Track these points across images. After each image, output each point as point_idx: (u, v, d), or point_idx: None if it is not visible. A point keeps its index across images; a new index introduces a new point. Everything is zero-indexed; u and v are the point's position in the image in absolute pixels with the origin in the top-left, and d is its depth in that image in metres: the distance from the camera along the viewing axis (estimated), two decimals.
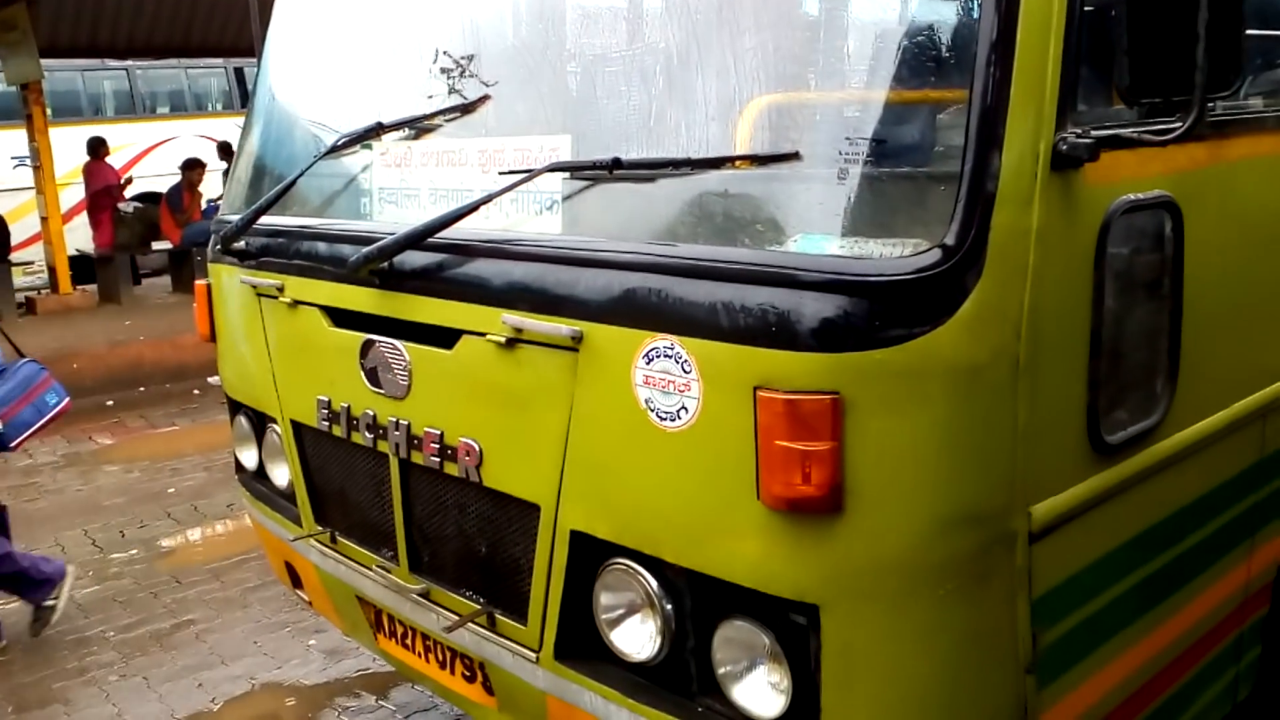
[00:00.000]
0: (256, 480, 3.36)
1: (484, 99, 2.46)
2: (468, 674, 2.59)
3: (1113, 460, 2.03)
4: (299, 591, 3.36)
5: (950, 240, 1.67)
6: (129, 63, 14.99)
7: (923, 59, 1.82)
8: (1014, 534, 1.85)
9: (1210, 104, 1.97)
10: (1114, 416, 2.01)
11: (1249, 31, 2.07)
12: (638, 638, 2.10)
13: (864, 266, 1.69)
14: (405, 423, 2.47)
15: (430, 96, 2.66)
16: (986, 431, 1.78)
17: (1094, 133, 1.79)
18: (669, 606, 2.03)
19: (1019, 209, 1.73)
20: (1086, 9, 1.77)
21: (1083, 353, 1.91)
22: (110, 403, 8.67)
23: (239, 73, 16.24)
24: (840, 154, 1.78)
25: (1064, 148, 1.76)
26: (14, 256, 11.40)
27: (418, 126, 2.63)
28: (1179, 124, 1.84)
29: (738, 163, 1.93)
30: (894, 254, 1.72)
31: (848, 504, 1.72)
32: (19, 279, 11.77)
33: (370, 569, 2.76)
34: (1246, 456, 2.49)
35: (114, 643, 4.53)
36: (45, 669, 4.32)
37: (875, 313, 1.67)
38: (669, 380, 1.88)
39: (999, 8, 1.70)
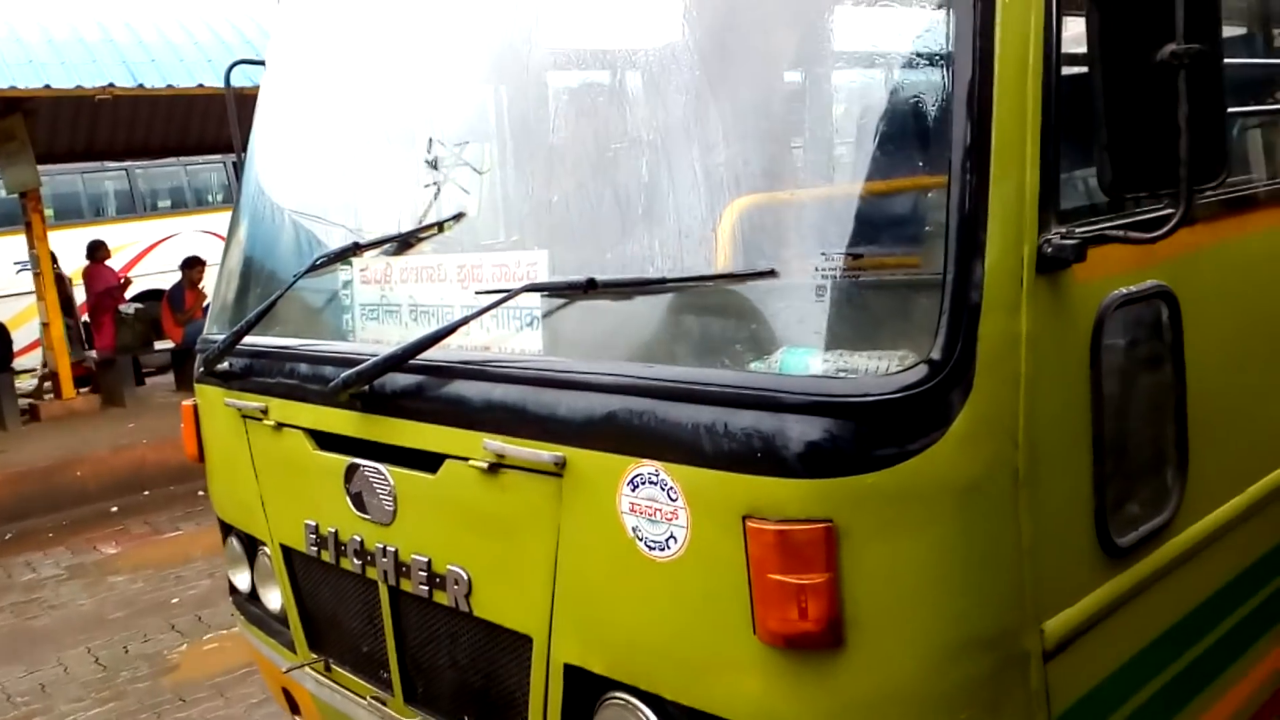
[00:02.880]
0: (250, 603, 3.29)
1: (459, 216, 2.44)
2: None
3: (1126, 563, 1.94)
4: (297, 718, 3.26)
5: (936, 355, 1.61)
6: (128, 163, 15.18)
7: (898, 166, 1.78)
8: (1027, 654, 1.76)
9: (1197, 196, 1.91)
10: (1124, 517, 1.93)
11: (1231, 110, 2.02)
12: None
13: (848, 386, 1.63)
14: (393, 549, 2.40)
15: (409, 210, 2.64)
16: (990, 550, 1.70)
17: (1079, 231, 1.73)
18: None
19: (1006, 316, 1.66)
20: (1063, 107, 1.72)
21: (1086, 456, 1.83)
22: (115, 509, 8.59)
23: (238, 167, 16.44)
24: (817, 269, 1.73)
25: (1049, 250, 1.69)
26: (17, 362, 11.39)
27: (394, 243, 2.59)
28: (1167, 214, 1.77)
29: (714, 280, 1.87)
30: (879, 368, 1.65)
31: (849, 636, 1.63)
32: (24, 383, 11.80)
33: (365, 699, 2.67)
34: (1266, 540, 2.39)
35: None
36: None
37: (863, 434, 1.60)
38: (655, 508, 1.80)
39: (971, 112, 1.65)
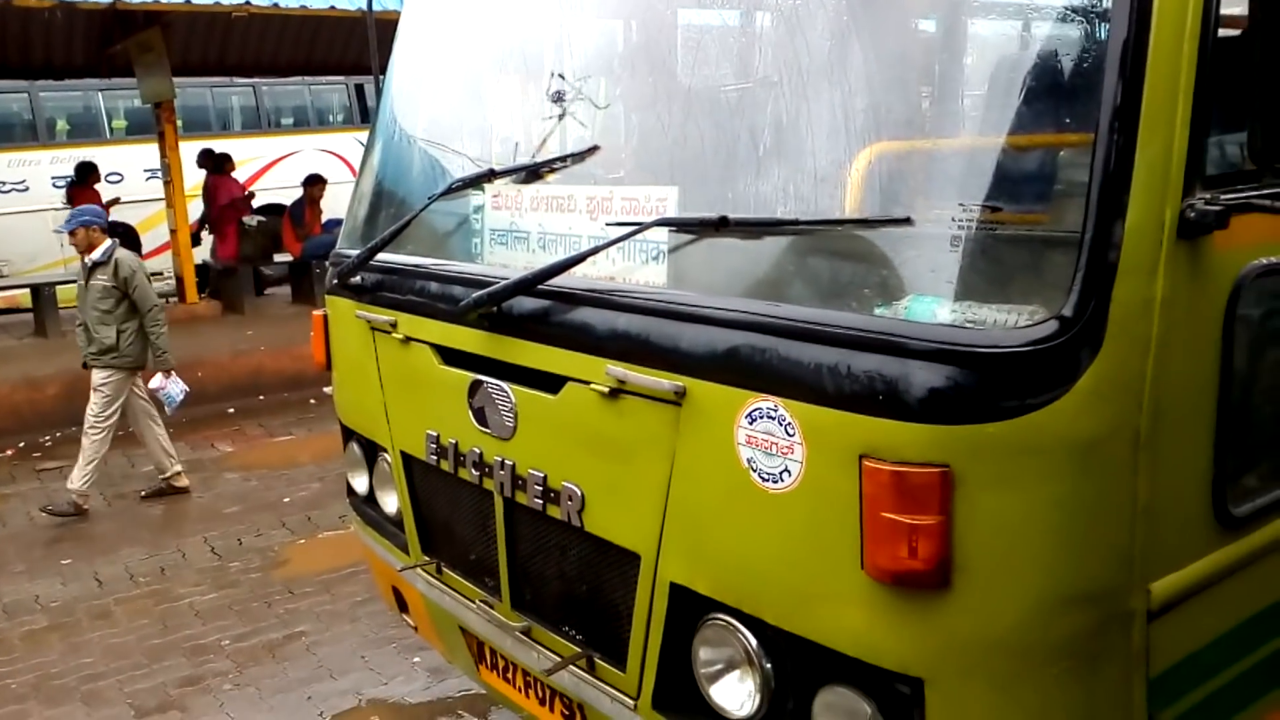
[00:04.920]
0: (367, 505, 3.46)
1: (593, 149, 2.49)
2: (566, 713, 2.62)
3: (1239, 533, 1.94)
4: (405, 616, 3.44)
5: (1068, 312, 1.62)
6: (255, 79, 15.59)
7: (1042, 121, 1.77)
8: (1132, 613, 1.78)
9: None
10: (1240, 488, 1.93)
11: None
12: (736, 694, 2.09)
13: (976, 337, 1.65)
14: (510, 463, 2.51)
15: (544, 138, 2.71)
16: (1105, 507, 1.72)
17: (1223, 198, 1.71)
18: (769, 666, 2.02)
19: (1142, 279, 1.66)
20: (1217, 72, 1.69)
21: (1209, 424, 1.83)
22: (231, 410, 9.02)
23: (359, 89, 16.78)
24: (954, 219, 1.74)
25: (1191, 215, 1.69)
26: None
27: (528, 171, 2.67)
28: None
29: (848, 225, 1.90)
30: (1008, 322, 1.67)
31: (955, 579, 1.68)
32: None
33: (474, 602, 2.81)
34: None
35: (229, 651, 4.71)
36: (163, 675, 4.52)
37: (987, 385, 1.63)
38: (772, 442, 1.86)
39: (1124, 69, 1.64)
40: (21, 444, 8.32)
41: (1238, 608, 2.02)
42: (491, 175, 2.72)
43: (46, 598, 5.43)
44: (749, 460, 1.91)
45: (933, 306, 1.75)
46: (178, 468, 6.98)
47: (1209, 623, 1.96)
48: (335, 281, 3.21)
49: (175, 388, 6.79)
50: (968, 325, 1.68)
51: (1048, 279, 1.70)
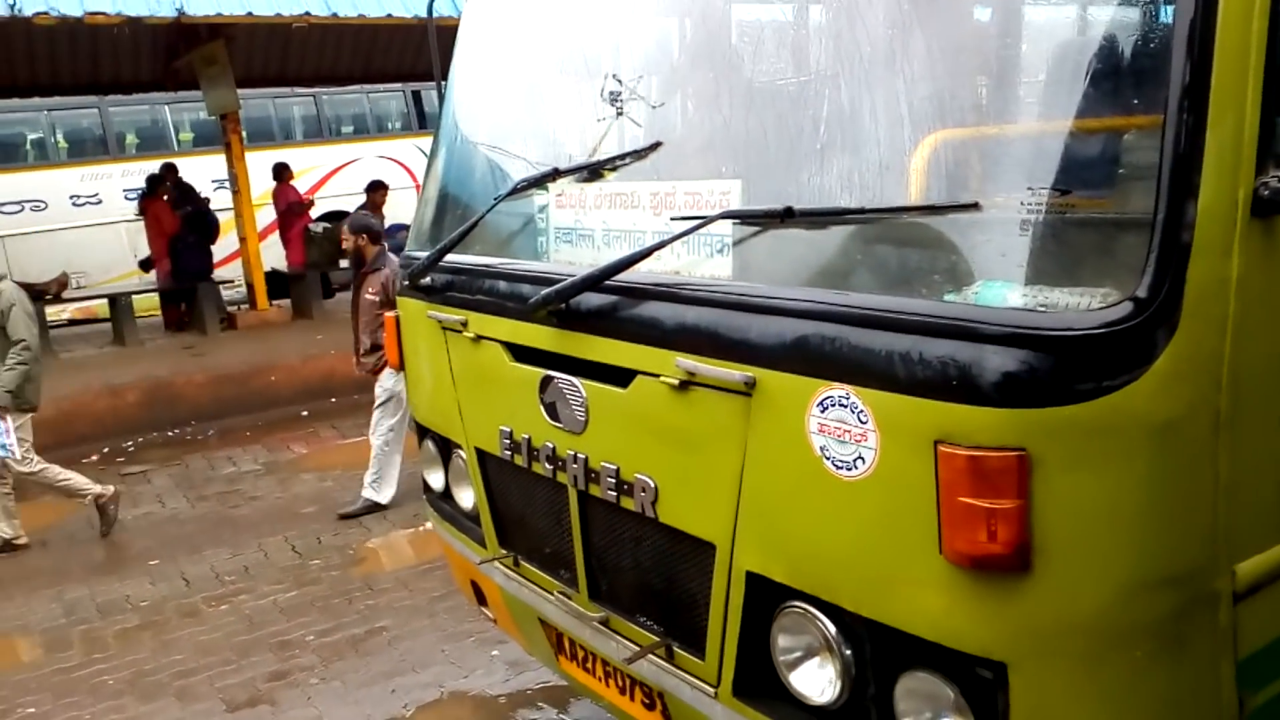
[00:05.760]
0: (443, 501, 3.53)
1: (656, 145, 2.52)
2: (647, 702, 2.66)
3: None
4: (484, 609, 3.51)
5: (1142, 293, 1.61)
6: (315, 89, 15.89)
7: (1108, 103, 1.76)
8: (1217, 594, 1.77)
9: None
10: None
11: None
12: (817, 681, 2.11)
13: (1049, 320, 1.65)
14: (583, 456, 2.55)
15: (606, 137, 2.74)
16: (1186, 488, 1.70)
17: None
18: (848, 652, 2.03)
19: (1217, 258, 1.65)
20: None
21: None
22: (305, 413, 9.23)
23: (416, 95, 16.99)
24: (1022, 203, 1.74)
25: (1265, 193, 1.66)
26: (215, 274, 12.22)
27: (591, 169, 2.71)
28: None
29: (915, 212, 1.91)
30: (1082, 304, 1.67)
31: (1036, 563, 1.68)
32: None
33: (552, 594, 2.87)
34: None
35: (314, 646, 4.84)
36: (251, 671, 4.66)
37: (1063, 367, 1.63)
38: (845, 429, 1.88)
39: (1191, 48, 1.62)
40: (105, 449, 8.60)
41: None
42: (556, 174, 2.76)
43: (137, 597, 5.63)
44: (822, 448, 1.92)
45: (1004, 291, 1.75)
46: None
47: None
48: (406, 283, 3.28)
49: None
50: (1041, 309, 1.68)
51: (1120, 261, 1.69)
